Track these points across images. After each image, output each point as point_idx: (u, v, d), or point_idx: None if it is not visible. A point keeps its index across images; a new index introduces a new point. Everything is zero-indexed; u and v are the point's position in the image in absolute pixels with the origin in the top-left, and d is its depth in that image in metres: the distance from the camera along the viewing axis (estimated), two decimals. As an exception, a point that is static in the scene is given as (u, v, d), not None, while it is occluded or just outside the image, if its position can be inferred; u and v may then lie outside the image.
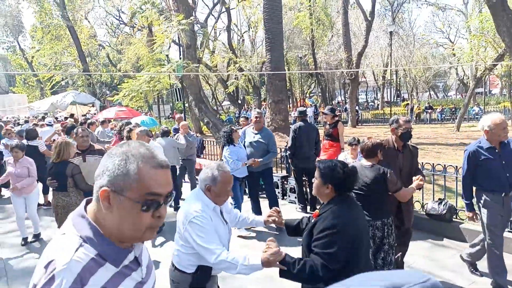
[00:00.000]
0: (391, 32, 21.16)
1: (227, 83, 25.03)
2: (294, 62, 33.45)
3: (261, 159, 5.32)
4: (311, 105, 30.39)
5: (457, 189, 5.06)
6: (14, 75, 40.67)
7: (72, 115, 17.58)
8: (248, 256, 2.02)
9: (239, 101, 32.90)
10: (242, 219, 2.62)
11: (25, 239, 5.45)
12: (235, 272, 2.03)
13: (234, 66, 16.23)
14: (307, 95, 45.91)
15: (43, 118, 18.30)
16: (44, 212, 7.05)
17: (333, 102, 40.86)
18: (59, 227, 4.25)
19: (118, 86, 15.20)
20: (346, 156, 5.97)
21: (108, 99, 21.61)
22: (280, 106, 15.62)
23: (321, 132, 7.05)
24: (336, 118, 6.71)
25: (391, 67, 27.40)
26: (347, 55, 22.92)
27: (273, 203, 5.55)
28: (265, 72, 14.92)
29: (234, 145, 5.19)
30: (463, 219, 4.92)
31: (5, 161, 7.06)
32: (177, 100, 12.40)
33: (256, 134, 5.51)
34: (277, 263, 1.97)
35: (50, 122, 10.02)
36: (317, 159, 6.72)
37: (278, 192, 6.88)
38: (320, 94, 43.91)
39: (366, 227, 2.24)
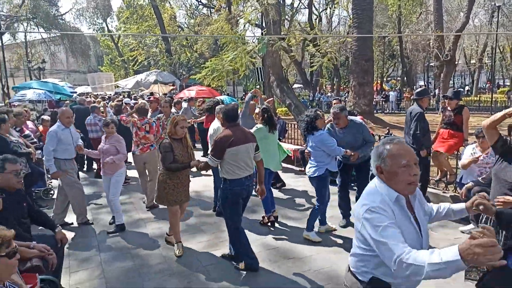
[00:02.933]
0: (498, 7, 18.35)
1: (302, 64, 24.02)
2: (375, 42, 31.10)
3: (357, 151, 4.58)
4: (393, 89, 28.20)
5: None
6: (102, 55, 43.76)
7: (152, 94, 18.09)
8: (439, 251, 1.44)
9: (312, 84, 31.64)
10: (436, 212, 2.04)
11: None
12: (421, 277, 1.47)
13: (317, 43, 15.24)
14: (385, 78, 42.98)
15: (129, 95, 19.08)
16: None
17: (415, 86, 37.80)
18: None
19: (202, 66, 15.15)
20: (474, 150, 4.94)
21: (192, 77, 21.77)
22: (365, 89, 14.39)
23: (428, 118, 5.87)
24: (460, 103, 5.61)
25: (495, 46, 23.96)
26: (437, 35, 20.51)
27: None
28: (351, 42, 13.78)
29: (313, 134, 4.33)
30: None
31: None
32: (258, 80, 11.91)
33: (340, 131, 4.67)
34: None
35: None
36: (433, 150, 5.69)
37: None
38: (399, 78, 40.90)
39: None
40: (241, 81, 37.66)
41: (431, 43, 24.10)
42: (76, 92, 18.87)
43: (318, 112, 4.39)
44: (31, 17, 28.18)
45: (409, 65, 32.50)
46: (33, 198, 6.19)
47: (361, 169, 4.85)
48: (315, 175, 4.35)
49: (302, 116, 4.30)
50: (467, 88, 41.20)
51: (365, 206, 1.72)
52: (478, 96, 26.92)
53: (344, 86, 28.48)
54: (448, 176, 5.67)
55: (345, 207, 4.97)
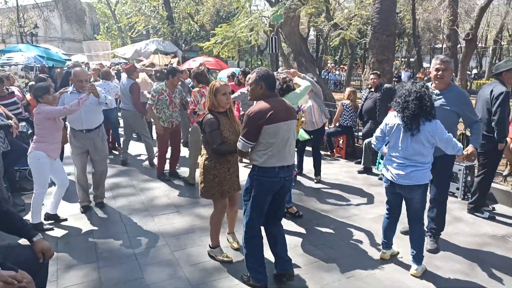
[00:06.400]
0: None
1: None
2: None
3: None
4: (405, 69, 27.10)
5: None
6: (98, 23, 41.74)
7: (153, 65, 16.82)
8: None
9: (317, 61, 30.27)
10: None
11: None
12: None
13: (330, 17, 13.98)
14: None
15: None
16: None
17: (421, 69, 36.58)
18: None
19: (202, 38, 13.87)
20: None
21: (199, 45, 20.19)
22: (384, 67, 13.15)
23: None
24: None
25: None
26: (451, 12, 19.07)
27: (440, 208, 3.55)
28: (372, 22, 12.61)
29: (430, 120, 2.96)
30: None
31: None
32: (272, 52, 10.75)
33: (438, 95, 3.38)
34: None
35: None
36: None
37: (457, 189, 4.93)
38: (403, 59, 39.62)
39: None
40: (242, 56, 36.14)
41: (442, 22, 22.69)
42: (70, 60, 17.60)
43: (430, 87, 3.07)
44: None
45: (420, 45, 31.21)
46: (16, 180, 5.19)
47: (437, 164, 3.20)
48: (426, 181, 3.00)
49: (407, 89, 2.94)
50: (474, 71, 40.05)
51: None
52: (492, 79, 25.83)
53: (355, 65, 27.18)
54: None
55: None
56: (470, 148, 3.23)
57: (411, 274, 3.11)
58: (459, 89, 3.47)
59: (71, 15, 29.70)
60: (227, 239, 3.62)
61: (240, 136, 2.78)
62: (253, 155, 2.79)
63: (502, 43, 31.19)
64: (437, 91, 3.41)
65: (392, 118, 3.08)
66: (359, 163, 6.38)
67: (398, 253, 3.45)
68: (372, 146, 3.33)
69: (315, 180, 5.57)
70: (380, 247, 3.49)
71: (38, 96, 3.85)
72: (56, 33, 39.32)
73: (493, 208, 4.47)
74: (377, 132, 3.22)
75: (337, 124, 6.87)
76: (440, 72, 3.32)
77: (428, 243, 3.53)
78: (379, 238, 3.74)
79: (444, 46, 24.71)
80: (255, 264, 2.88)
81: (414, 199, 3.07)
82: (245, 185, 2.88)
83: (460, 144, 3.01)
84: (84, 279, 3.05)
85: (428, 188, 3.14)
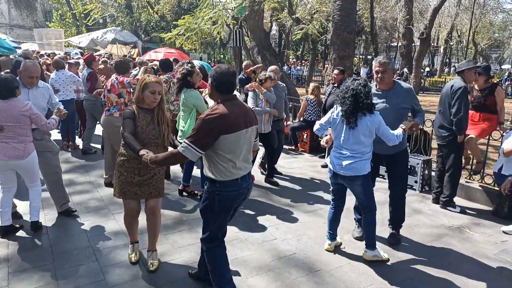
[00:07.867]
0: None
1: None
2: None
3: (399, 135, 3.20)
4: (365, 66, 27.90)
5: None
6: (51, 10, 39.36)
7: (110, 55, 16.14)
8: None
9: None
10: None
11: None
12: None
13: (293, 12, 14.03)
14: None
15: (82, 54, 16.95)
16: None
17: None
18: None
19: (162, 29, 13.43)
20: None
21: (161, 35, 19.54)
22: (345, 63, 13.47)
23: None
24: (492, 81, 4.84)
25: (457, 32, 24.09)
26: (407, 12, 19.84)
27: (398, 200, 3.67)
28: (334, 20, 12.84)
29: (373, 113, 3.09)
30: None
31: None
32: (236, 45, 10.64)
33: (381, 96, 3.39)
34: None
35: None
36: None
37: (415, 182, 5.09)
38: (361, 56, 40.92)
39: None
40: (205, 49, 35.57)
41: (398, 21, 23.52)
42: (20, 48, 16.47)
43: (368, 83, 3.15)
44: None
45: (378, 43, 32.26)
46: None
47: (397, 160, 3.51)
48: (365, 172, 3.13)
49: (346, 86, 3.07)
50: (427, 69, 42.14)
51: None
52: (444, 77, 27.29)
53: (316, 61, 27.59)
54: (474, 164, 4.99)
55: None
56: (415, 121, 3.42)
57: (363, 256, 3.29)
58: (404, 85, 3.47)
59: (20, 0, 27.71)
60: (147, 255, 3.18)
61: (187, 141, 2.34)
62: (212, 169, 2.45)
63: (451, 43, 32.89)
64: (379, 91, 3.43)
65: (337, 110, 3.20)
66: (323, 157, 6.48)
67: (341, 243, 3.54)
68: (314, 131, 3.47)
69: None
70: (348, 239, 3.55)
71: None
72: (4, 19, 36.71)
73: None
74: (322, 120, 3.37)
75: (302, 119, 6.92)
76: (379, 75, 3.32)
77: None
78: (345, 232, 3.81)
79: (400, 44, 25.74)
80: (226, 279, 2.61)
81: (355, 190, 3.23)
82: (203, 201, 2.57)
83: (396, 132, 3.17)
84: (39, 283, 2.85)
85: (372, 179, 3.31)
